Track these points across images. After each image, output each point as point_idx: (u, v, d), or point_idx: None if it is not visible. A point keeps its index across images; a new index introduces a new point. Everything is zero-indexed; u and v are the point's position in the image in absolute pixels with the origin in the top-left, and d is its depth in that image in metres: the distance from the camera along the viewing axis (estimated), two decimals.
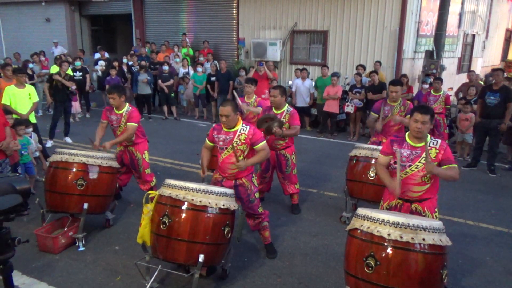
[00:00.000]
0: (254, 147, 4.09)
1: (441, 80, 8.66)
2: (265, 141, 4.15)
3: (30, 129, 6.40)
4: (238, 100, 6.17)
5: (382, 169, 3.80)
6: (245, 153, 4.09)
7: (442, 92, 8.35)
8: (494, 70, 7.97)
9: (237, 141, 4.03)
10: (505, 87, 7.31)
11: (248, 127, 4.09)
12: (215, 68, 11.53)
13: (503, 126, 7.21)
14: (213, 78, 11.35)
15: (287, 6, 12.43)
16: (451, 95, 10.57)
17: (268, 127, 5.02)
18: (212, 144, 4.24)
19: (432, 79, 9.38)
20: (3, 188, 1.71)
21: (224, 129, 4.09)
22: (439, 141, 3.59)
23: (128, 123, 5.16)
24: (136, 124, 5.21)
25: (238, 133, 4.04)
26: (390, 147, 3.72)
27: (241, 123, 4.11)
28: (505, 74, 8.57)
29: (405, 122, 5.47)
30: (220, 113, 4.01)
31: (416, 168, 3.54)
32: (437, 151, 3.53)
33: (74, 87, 9.22)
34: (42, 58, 12.90)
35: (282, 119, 5.21)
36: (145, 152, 5.45)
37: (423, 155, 3.52)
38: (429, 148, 3.53)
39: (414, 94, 9.84)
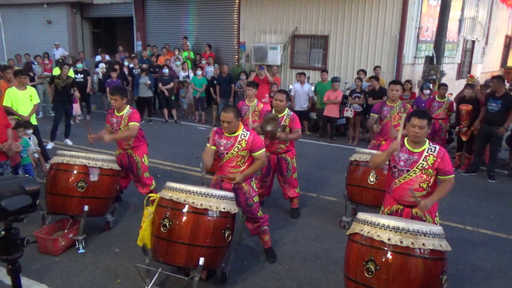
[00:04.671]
0: (253, 154, 4.08)
1: (446, 86, 8.65)
2: (263, 150, 4.12)
3: (30, 131, 6.41)
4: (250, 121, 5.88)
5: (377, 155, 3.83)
6: (246, 158, 4.10)
7: (446, 99, 8.37)
8: (493, 77, 7.98)
9: (238, 147, 4.04)
10: (508, 94, 7.32)
11: (249, 133, 4.10)
12: (218, 71, 11.56)
13: (502, 129, 7.21)
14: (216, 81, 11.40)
15: (288, 10, 12.50)
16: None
17: (272, 133, 5.05)
18: (214, 148, 4.21)
19: (432, 84, 9.37)
20: (13, 189, 1.74)
21: (226, 134, 4.10)
22: (437, 147, 3.59)
23: (130, 123, 5.15)
24: (138, 124, 5.20)
25: (239, 138, 4.05)
26: None
27: (242, 128, 4.11)
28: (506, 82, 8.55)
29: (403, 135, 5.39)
30: (222, 119, 4.01)
31: (414, 173, 3.55)
32: (435, 158, 3.53)
33: (75, 91, 9.22)
34: (46, 61, 12.93)
35: (283, 123, 5.23)
36: (144, 155, 5.44)
37: (421, 161, 3.53)
38: (427, 154, 3.54)
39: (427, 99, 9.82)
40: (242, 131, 4.09)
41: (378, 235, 3.00)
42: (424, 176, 3.54)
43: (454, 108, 8.52)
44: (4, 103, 6.58)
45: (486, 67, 17.02)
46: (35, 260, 4.27)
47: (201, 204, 3.49)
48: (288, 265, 4.38)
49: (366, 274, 3.00)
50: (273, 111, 5.36)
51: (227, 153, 4.08)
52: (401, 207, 3.67)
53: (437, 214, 3.70)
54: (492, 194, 6.83)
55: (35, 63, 12.64)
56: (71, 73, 10.11)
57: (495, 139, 7.37)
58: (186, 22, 14.89)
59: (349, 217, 5.22)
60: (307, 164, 7.98)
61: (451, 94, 11.28)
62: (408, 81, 9.94)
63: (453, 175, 3.57)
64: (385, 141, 4.94)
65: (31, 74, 11.30)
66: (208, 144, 4.26)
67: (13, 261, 1.83)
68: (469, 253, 4.77)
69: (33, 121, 6.87)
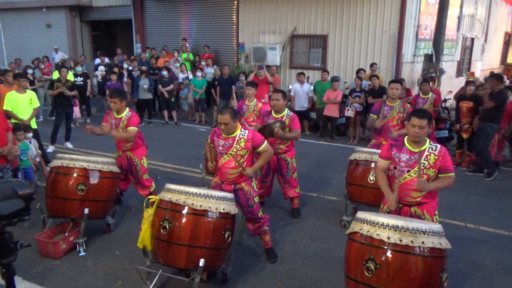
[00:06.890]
0: (257, 150, 4.13)
1: (428, 82, 8.64)
2: (266, 142, 4.20)
3: (30, 134, 6.42)
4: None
5: (381, 175, 3.77)
6: (245, 157, 4.11)
7: (430, 95, 8.32)
8: (490, 76, 7.93)
9: (237, 147, 4.05)
10: (501, 91, 7.26)
11: (247, 131, 4.12)
12: (219, 72, 11.57)
13: (490, 103, 7.08)
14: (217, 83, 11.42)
15: (286, 10, 12.50)
16: (449, 98, 10.61)
17: (269, 128, 5.04)
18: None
19: (431, 82, 9.37)
20: (6, 193, 1.75)
21: (223, 135, 4.11)
22: (438, 146, 3.58)
23: (128, 128, 5.19)
24: (136, 129, 5.23)
25: (237, 138, 4.06)
26: (389, 151, 3.72)
27: (240, 128, 4.13)
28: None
29: (402, 134, 5.39)
30: (219, 121, 4.02)
31: (414, 173, 3.54)
32: (436, 157, 3.52)
33: (75, 93, 9.23)
34: (42, 66, 12.94)
35: None
36: (143, 157, 5.46)
37: (422, 160, 3.52)
38: (428, 153, 3.53)
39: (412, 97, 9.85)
40: (240, 131, 4.10)
41: (377, 234, 3.00)
42: (425, 176, 3.53)
43: (449, 105, 8.50)
44: (5, 107, 6.58)
45: (485, 64, 16.99)
46: (36, 263, 4.27)
47: (200, 205, 3.50)
48: (289, 265, 4.38)
49: (366, 273, 3.00)
50: (273, 112, 5.36)
51: (226, 153, 4.09)
52: (400, 205, 3.66)
53: (436, 213, 3.69)
54: (493, 192, 6.81)
55: (35, 69, 12.64)
56: (70, 77, 10.13)
57: (483, 135, 7.33)
58: (185, 23, 14.90)
59: (350, 216, 5.21)
60: (308, 163, 7.98)
61: (451, 91, 11.29)
62: (402, 79, 9.94)
63: (454, 174, 3.56)
64: (386, 141, 4.94)
65: (31, 77, 11.32)
66: (209, 140, 4.30)
67: (7, 265, 1.84)
68: (470, 251, 4.76)
69: (33, 125, 6.87)
